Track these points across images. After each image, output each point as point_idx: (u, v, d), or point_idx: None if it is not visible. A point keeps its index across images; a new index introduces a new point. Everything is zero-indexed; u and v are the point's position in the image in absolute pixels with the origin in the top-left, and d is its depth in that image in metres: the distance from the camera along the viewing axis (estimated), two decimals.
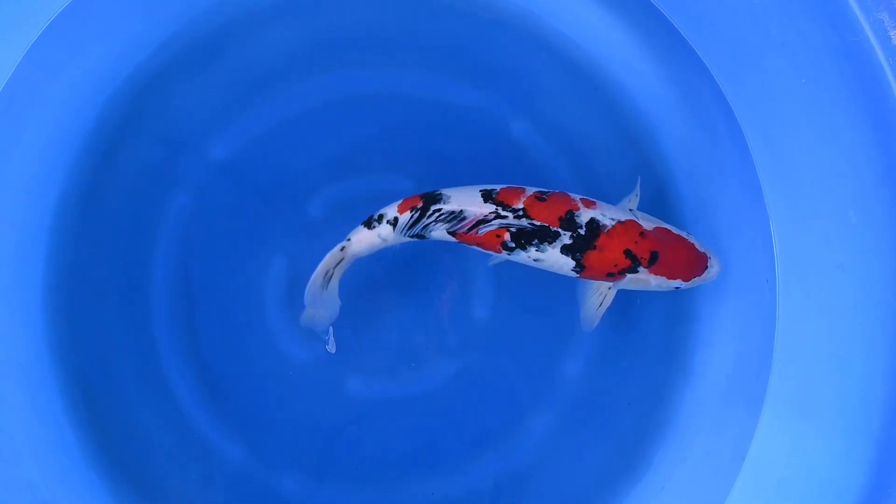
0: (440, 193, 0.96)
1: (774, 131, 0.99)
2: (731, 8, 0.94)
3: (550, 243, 0.93)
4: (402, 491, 1.12)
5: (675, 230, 0.99)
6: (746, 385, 1.04)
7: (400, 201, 0.97)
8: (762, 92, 0.98)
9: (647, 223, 0.97)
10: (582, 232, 0.93)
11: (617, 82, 1.13)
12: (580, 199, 0.96)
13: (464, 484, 1.11)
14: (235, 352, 1.12)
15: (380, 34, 1.14)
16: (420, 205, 0.96)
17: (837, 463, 0.88)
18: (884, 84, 0.81)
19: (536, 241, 0.93)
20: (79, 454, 1.07)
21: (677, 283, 0.98)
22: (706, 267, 0.99)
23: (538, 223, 0.93)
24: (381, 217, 0.97)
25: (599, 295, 1.00)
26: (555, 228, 0.93)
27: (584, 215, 0.94)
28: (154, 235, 1.12)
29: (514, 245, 0.94)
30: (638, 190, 1.03)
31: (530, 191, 0.95)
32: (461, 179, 0.99)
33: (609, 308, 1.01)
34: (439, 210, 0.95)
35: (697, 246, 0.99)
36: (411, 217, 0.96)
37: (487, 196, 0.95)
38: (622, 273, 0.96)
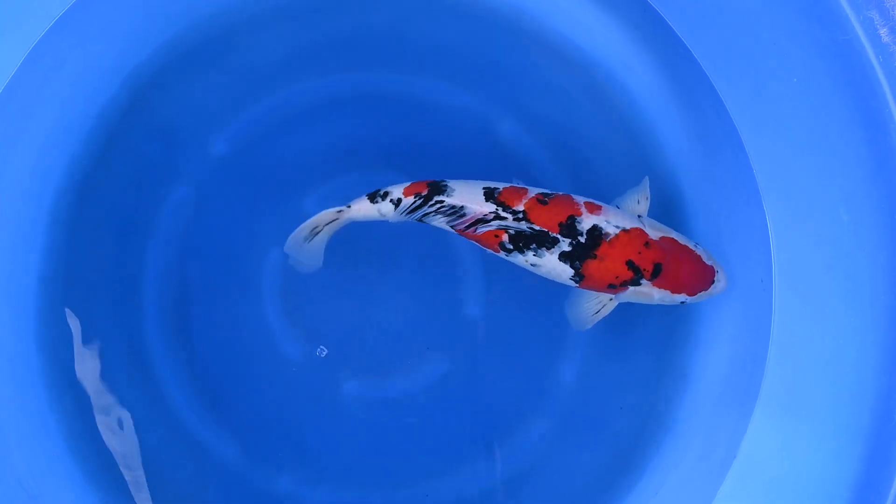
0: (446, 185, 0.95)
1: (767, 131, 0.99)
2: (724, 6, 0.95)
3: (548, 249, 0.92)
4: (395, 492, 1.11)
5: (682, 240, 0.96)
6: (740, 387, 1.04)
7: (408, 183, 0.96)
8: (755, 91, 0.98)
9: (654, 232, 0.94)
10: (582, 239, 0.91)
11: (610, 80, 1.13)
12: (585, 202, 0.94)
13: (458, 486, 1.11)
14: (230, 349, 1.12)
15: (376, 35, 1.15)
16: (424, 192, 0.95)
17: (828, 461, 0.88)
18: (874, 82, 0.81)
19: (534, 245, 0.92)
20: (66, 450, 1.06)
21: (682, 297, 0.96)
22: (713, 281, 0.96)
23: (537, 227, 0.92)
24: (385, 194, 0.97)
25: (598, 303, 0.98)
26: (554, 234, 0.92)
27: (587, 221, 0.92)
28: (150, 230, 1.12)
29: (511, 247, 0.93)
30: (647, 192, 1.00)
31: (533, 192, 0.94)
32: (455, 177, 0.98)
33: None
34: (441, 202, 0.94)
35: (704, 258, 0.96)
36: (413, 202, 0.95)
37: (489, 195, 0.94)
38: (624, 285, 0.94)
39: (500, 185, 0.95)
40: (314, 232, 0.99)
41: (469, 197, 0.94)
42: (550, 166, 1.14)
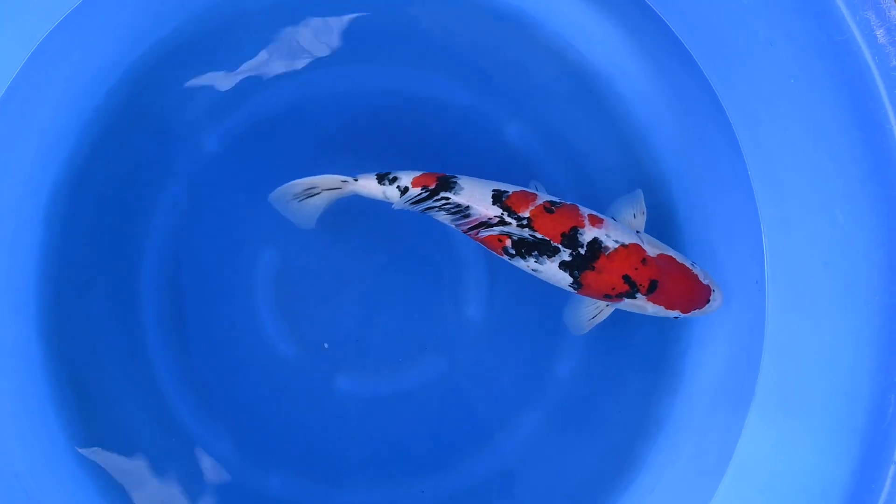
0: (455, 181, 0.95)
1: (763, 131, 0.99)
2: (722, 7, 0.95)
3: (549, 257, 0.93)
4: (390, 489, 1.11)
5: (679, 258, 0.97)
6: (735, 386, 1.04)
7: (418, 173, 0.96)
8: (752, 91, 0.99)
9: (652, 249, 0.95)
10: (582, 251, 0.92)
11: (608, 81, 1.13)
12: (589, 214, 0.95)
13: (453, 483, 1.11)
14: (224, 346, 1.12)
15: (375, 31, 1.14)
16: (432, 186, 0.95)
17: (823, 460, 0.88)
18: (870, 83, 0.81)
19: (536, 253, 0.93)
20: (65, 445, 1.06)
21: (675, 313, 0.97)
22: (707, 300, 0.97)
23: (539, 236, 0.92)
24: (394, 179, 0.96)
25: (596, 308, 0.99)
26: (555, 244, 0.92)
27: (588, 234, 0.93)
28: (145, 227, 1.12)
29: (514, 252, 0.94)
30: (643, 206, 1.01)
31: (541, 199, 0.94)
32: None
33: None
34: (447, 199, 0.94)
35: (701, 277, 0.97)
36: (419, 194, 0.95)
37: (497, 198, 0.94)
38: (620, 297, 0.95)
39: (511, 189, 0.95)
40: (310, 192, 0.98)
41: (476, 198, 0.94)
42: (551, 166, 1.14)
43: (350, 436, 1.12)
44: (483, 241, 0.96)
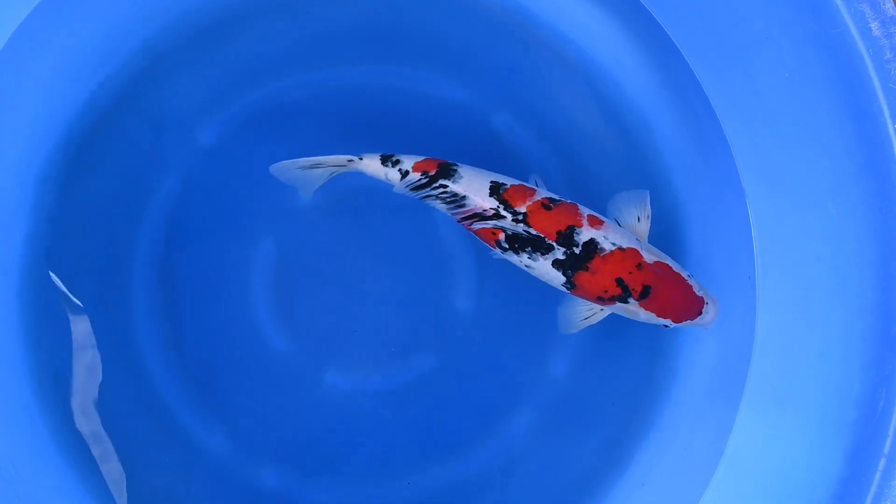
0: (456, 169, 0.95)
1: (756, 125, 0.99)
2: (716, 1, 0.95)
3: (543, 255, 0.92)
4: (381, 484, 1.11)
5: (676, 267, 0.95)
6: (727, 381, 1.04)
7: (421, 158, 0.96)
8: (745, 86, 0.99)
9: (649, 256, 0.94)
10: (577, 251, 0.92)
11: (601, 76, 1.13)
12: (588, 215, 0.94)
13: (443, 478, 1.11)
14: (217, 340, 1.11)
15: (370, 27, 1.14)
16: (432, 172, 0.95)
17: (814, 453, 0.88)
18: (864, 76, 0.81)
19: (529, 249, 0.92)
20: (49, 440, 1.05)
21: (666, 321, 0.96)
22: (700, 312, 0.96)
23: (534, 232, 0.92)
24: (397, 161, 0.97)
25: (589, 309, 0.98)
26: (550, 241, 0.92)
27: (585, 234, 0.92)
28: (138, 219, 1.11)
29: (507, 246, 0.93)
30: (649, 210, 0.99)
31: (540, 195, 0.94)
32: None
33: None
34: (445, 187, 0.94)
35: (696, 289, 0.96)
36: (419, 180, 0.95)
37: (494, 190, 0.93)
38: (612, 300, 0.94)
39: (509, 182, 0.94)
40: (314, 167, 0.99)
41: (473, 188, 0.94)
42: (545, 158, 1.14)
43: (342, 430, 1.11)
44: (477, 232, 0.95)
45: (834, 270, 0.91)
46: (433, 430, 1.12)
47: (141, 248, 1.11)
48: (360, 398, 1.11)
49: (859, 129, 0.84)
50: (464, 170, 0.95)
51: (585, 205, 0.97)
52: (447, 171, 0.95)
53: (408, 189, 0.96)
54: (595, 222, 0.93)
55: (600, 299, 0.94)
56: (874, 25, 0.79)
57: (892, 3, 0.79)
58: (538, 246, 0.92)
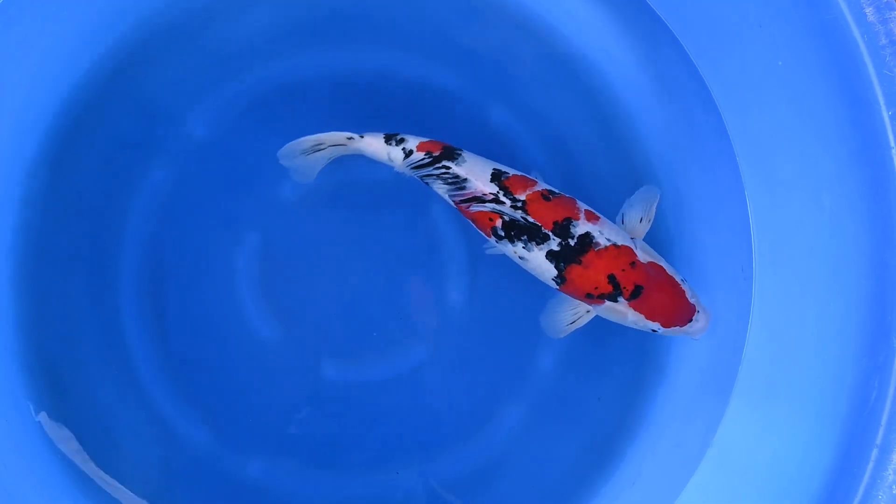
0: (460, 153, 0.95)
1: (751, 114, 0.99)
2: None
3: (538, 244, 0.91)
4: (370, 477, 1.10)
5: (670, 271, 0.94)
6: (719, 374, 1.04)
7: (426, 139, 0.97)
8: (740, 74, 0.98)
9: (644, 256, 0.93)
10: (572, 243, 0.91)
11: (594, 66, 1.12)
12: (585, 210, 0.93)
13: (432, 472, 1.10)
14: (204, 331, 1.10)
15: (362, 15, 1.13)
16: (436, 154, 0.95)
17: (805, 447, 0.87)
18: (859, 61, 0.80)
19: (525, 237, 0.92)
20: (36, 431, 1.04)
21: (655, 325, 0.94)
22: (690, 319, 0.94)
23: (531, 220, 0.91)
24: (401, 140, 0.97)
25: (575, 313, 0.97)
26: (546, 230, 0.91)
27: (581, 227, 0.91)
28: (126, 209, 1.10)
29: (503, 234, 0.93)
30: (652, 214, 0.98)
31: (540, 186, 0.94)
32: None
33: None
34: (447, 168, 0.94)
35: (688, 295, 0.94)
36: (422, 159, 0.95)
37: (496, 176, 0.93)
38: (602, 298, 0.93)
39: (511, 171, 0.95)
40: (316, 148, 0.99)
41: (476, 172, 0.94)
42: (537, 151, 1.13)
43: (330, 422, 1.10)
44: (474, 217, 0.94)
45: (827, 260, 0.90)
46: (422, 423, 1.11)
47: (128, 238, 1.10)
48: (348, 390, 1.10)
49: (854, 117, 0.83)
50: (468, 155, 0.96)
51: (581, 196, 0.97)
52: (451, 153, 0.95)
53: (409, 168, 0.96)
54: (591, 217, 0.93)
55: (589, 296, 0.93)
56: (869, 11, 0.78)
57: None
58: (534, 235, 0.91)
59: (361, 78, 1.13)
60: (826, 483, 0.83)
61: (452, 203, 0.95)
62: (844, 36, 0.80)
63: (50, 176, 1.08)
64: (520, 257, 0.94)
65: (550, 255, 0.91)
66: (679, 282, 0.94)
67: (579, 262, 0.91)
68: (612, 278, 0.91)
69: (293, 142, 0.99)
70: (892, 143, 0.79)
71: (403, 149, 0.96)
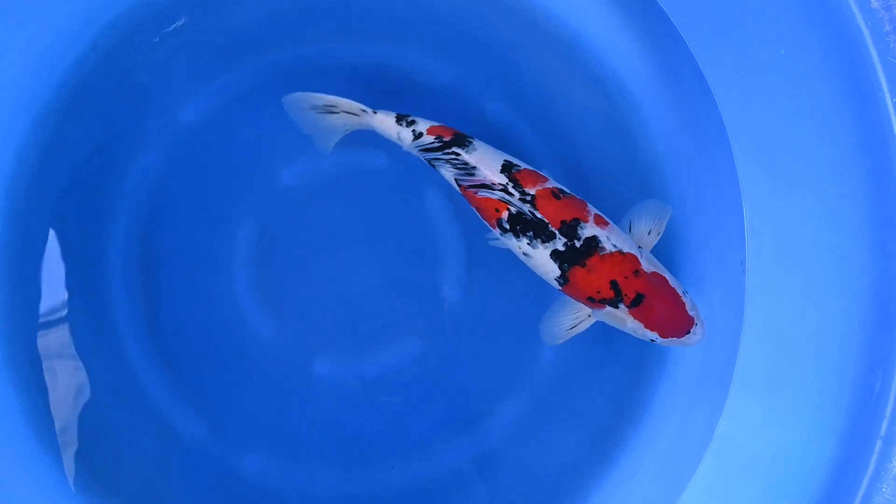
0: (471, 141, 0.95)
1: (752, 105, 0.98)
2: None
3: (543, 242, 0.90)
4: (365, 472, 1.09)
5: (672, 282, 0.93)
6: (721, 366, 1.03)
7: (438, 124, 0.96)
8: (741, 65, 0.97)
9: (648, 265, 0.92)
10: (577, 244, 0.90)
11: (595, 56, 1.11)
12: (595, 213, 0.92)
13: (430, 467, 1.09)
14: (197, 323, 1.09)
15: (359, 4, 1.12)
16: (447, 139, 0.95)
17: (810, 436, 0.87)
18: (862, 49, 0.79)
19: (531, 233, 0.91)
20: (24, 425, 1.03)
21: (653, 335, 0.93)
22: (688, 332, 0.93)
23: (539, 216, 0.90)
24: (412, 122, 0.97)
25: (576, 318, 0.96)
26: (553, 229, 0.90)
27: (589, 230, 0.90)
28: (116, 196, 1.08)
29: (508, 227, 0.92)
30: (662, 227, 0.97)
31: (551, 184, 0.93)
32: None
33: None
34: (457, 155, 0.93)
35: (688, 307, 0.93)
36: (432, 143, 0.95)
37: (507, 168, 0.93)
38: (602, 303, 0.92)
39: (523, 165, 0.94)
40: (328, 109, 0.99)
41: (486, 162, 0.93)
42: (537, 142, 1.12)
43: (326, 417, 1.09)
44: (480, 207, 0.93)
45: (830, 252, 0.90)
46: (420, 417, 1.10)
47: (119, 227, 1.08)
48: (344, 384, 1.09)
49: (857, 106, 0.82)
50: (479, 144, 0.95)
51: (580, 187, 0.96)
52: (462, 140, 0.95)
53: (417, 150, 0.95)
54: (601, 222, 0.92)
55: (590, 300, 0.92)
56: None
57: None
58: (540, 231, 0.90)
59: (358, 68, 1.12)
60: (830, 475, 0.83)
61: (458, 188, 0.94)
62: (848, 23, 0.80)
63: (39, 162, 1.06)
64: (524, 253, 0.93)
65: (555, 255, 0.90)
66: (681, 294, 0.93)
67: (583, 265, 0.90)
68: (614, 284, 0.90)
69: (306, 93, 0.98)
70: None
71: (413, 130, 0.96)
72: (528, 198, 0.91)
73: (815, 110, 0.87)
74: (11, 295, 1.04)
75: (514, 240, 0.92)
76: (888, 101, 0.78)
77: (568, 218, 0.90)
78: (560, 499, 1.08)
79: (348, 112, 0.98)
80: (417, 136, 0.95)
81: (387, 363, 1.09)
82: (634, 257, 0.91)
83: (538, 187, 0.91)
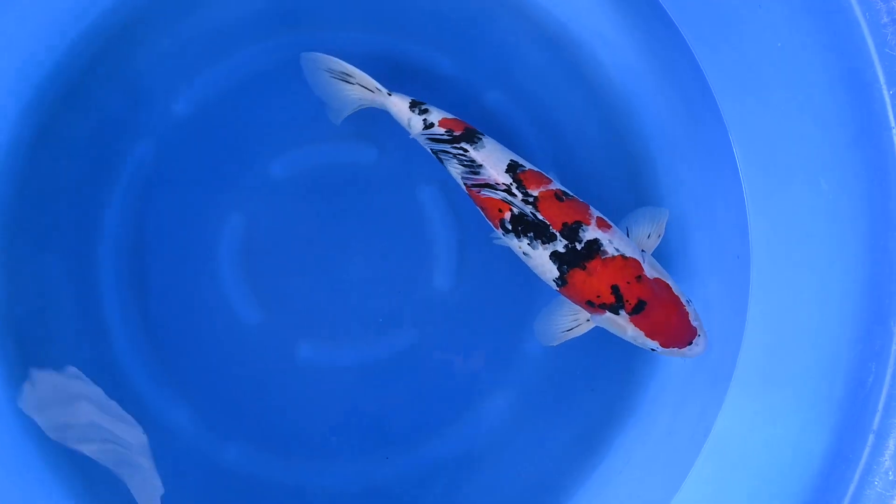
0: (480, 138, 0.94)
1: (748, 98, 0.98)
2: None
3: (543, 243, 0.90)
4: (351, 463, 1.08)
5: (676, 290, 0.91)
6: (712, 363, 1.02)
7: (449, 115, 0.96)
8: (737, 58, 0.97)
9: (651, 271, 0.90)
10: (578, 247, 0.89)
11: (590, 49, 1.10)
12: (597, 216, 0.91)
13: (416, 460, 1.08)
14: (184, 311, 1.08)
15: None
16: (457, 133, 0.94)
17: (803, 431, 0.86)
18: (859, 40, 0.79)
19: (532, 234, 0.90)
20: (8, 411, 1.02)
21: (654, 344, 0.91)
22: (690, 342, 0.91)
23: (540, 217, 0.89)
24: (425, 111, 0.96)
25: (574, 320, 0.95)
26: (554, 230, 0.89)
27: (591, 233, 0.89)
28: (107, 186, 1.07)
29: (510, 227, 0.91)
30: (662, 230, 0.96)
31: (554, 186, 0.92)
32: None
33: None
34: (465, 151, 0.93)
35: (691, 317, 0.91)
36: (441, 135, 0.94)
37: (512, 168, 0.92)
38: (602, 308, 0.90)
39: (528, 166, 0.93)
40: (343, 77, 0.98)
41: (492, 160, 0.92)
42: (532, 135, 1.11)
43: (312, 406, 1.08)
44: (484, 206, 0.93)
45: (825, 245, 0.89)
46: (406, 409, 1.09)
47: (108, 214, 1.07)
48: (332, 374, 1.08)
49: (853, 98, 0.82)
50: (488, 141, 0.94)
51: (577, 182, 0.96)
52: (472, 136, 0.94)
53: (426, 139, 0.95)
54: (603, 225, 0.91)
55: (589, 304, 0.91)
56: None
57: None
58: (541, 232, 0.89)
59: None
60: (821, 469, 0.82)
61: (463, 186, 0.94)
62: (845, 14, 0.79)
63: (29, 152, 1.05)
64: (524, 253, 0.92)
65: (554, 256, 0.89)
66: (684, 303, 0.91)
67: (583, 268, 0.89)
68: (615, 289, 0.89)
69: (326, 55, 0.98)
70: (893, 124, 0.77)
71: (424, 120, 0.95)
72: (531, 199, 0.90)
73: (812, 102, 0.87)
74: (6, 287, 1.04)
75: (515, 240, 0.92)
76: (885, 93, 0.78)
77: (570, 220, 0.89)
78: (550, 490, 1.07)
79: (363, 86, 0.98)
80: (428, 125, 0.95)
81: (374, 353, 1.08)
82: (637, 262, 0.90)
83: (541, 189, 0.91)
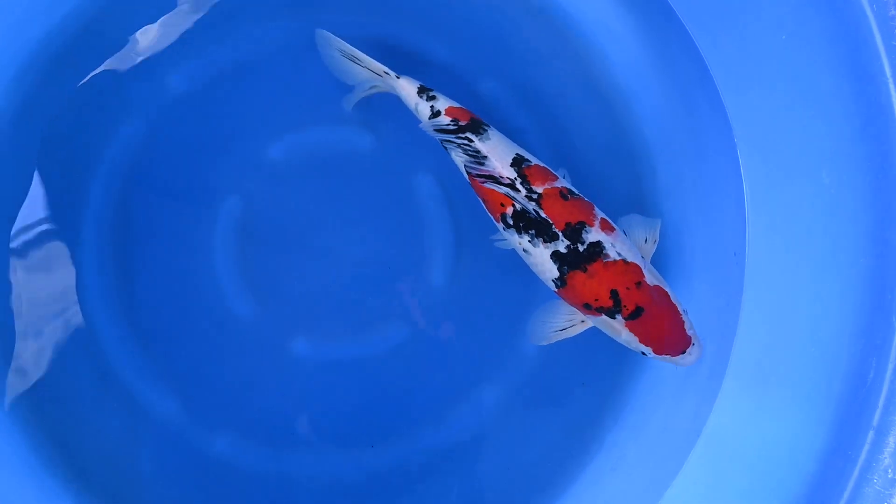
0: (486, 129, 0.93)
1: (751, 91, 0.97)
2: None
3: (545, 242, 0.88)
4: (342, 456, 1.07)
5: (674, 298, 0.91)
6: (708, 358, 1.01)
7: (457, 105, 0.95)
8: (740, 50, 0.96)
9: (651, 278, 0.90)
10: (581, 248, 0.88)
11: (592, 41, 1.10)
12: (601, 218, 0.90)
13: (407, 454, 1.07)
14: (174, 299, 1.06)
15: None
16: (463, 123, 0.93)
17: (801, 427, 0.86)
18: (866, 33, 0.78)
19: (533, 232, 0.89)
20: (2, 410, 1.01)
21: (647, 349, 0.91)
22: (683, 351, 0.90)
23: (543, 215, 0.88)
24: (432, 97, 0.95)
25: (569, 320, 0.94)
26: (556, 230, 0.88)
27: (594, 235, 0.88)
28: (95, 164, 1.05)
29: (512, 223, 0.90)
30: (657, 235, 0.95)
31: (560, 183, 0.90)
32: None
33: None
34: (471, 141, 0.92)
35: (686, 326, 0.91)
36: (448, 124, 0.93)
37: (517, 162, 0.90)
38: (599, 311, 0.89)
39: (534, 161, 0.92)
40: (353, 58, 0.98)
41: (497, 153, 0.91)
42: (531, 126, 1.10)
43: (303, 398, 1.07)
44: (486, 199, 0.92)
45: (825, 239, 0.89)
46: (399, 401, 1.08)
47: (94, 195, 1.05)
48: (324, 367, 1.07)
49: (858, 91, 0.81)
50: (493, 133, 0.93)
51: (576, 174, 0.95)
52: (477, 127, 0.93)
53: (432, 129, 0.94)
54: (607, 227, 0.90)
55: (586, 307, 0.90)
56: None
57: None
58: (542, 231, 0.88)
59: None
60: (820, 466, 0.82)
61: (466, 175, 0.93)
62: (852, 6, 0.78)
63: (15, 124, 1.03)
64: (524, 250, 0.91)
65: (555, 256, 0.88)
66: (681, 312, 0.91)
67: (584, 270, 0.88)
68: (614, 294, 0.88)
69: (335, 37, 0.98)
70: None
71: (432, 107, 0.95)
72: (535, 196, 0.89)
73: (816, 95, 0.86)
74: None
75: (515, 236, 0.90)
76: (891, 86, 0.77)
77: (573, 220, 0.88)
78: (543, 486, 1.07)
79: (370, 70, 0.98)
80: (435, 113, 0.94)
81: (367, 345, 1.07)
82: (638, 268, 0.89)
83: (546, 186, 0.89)
